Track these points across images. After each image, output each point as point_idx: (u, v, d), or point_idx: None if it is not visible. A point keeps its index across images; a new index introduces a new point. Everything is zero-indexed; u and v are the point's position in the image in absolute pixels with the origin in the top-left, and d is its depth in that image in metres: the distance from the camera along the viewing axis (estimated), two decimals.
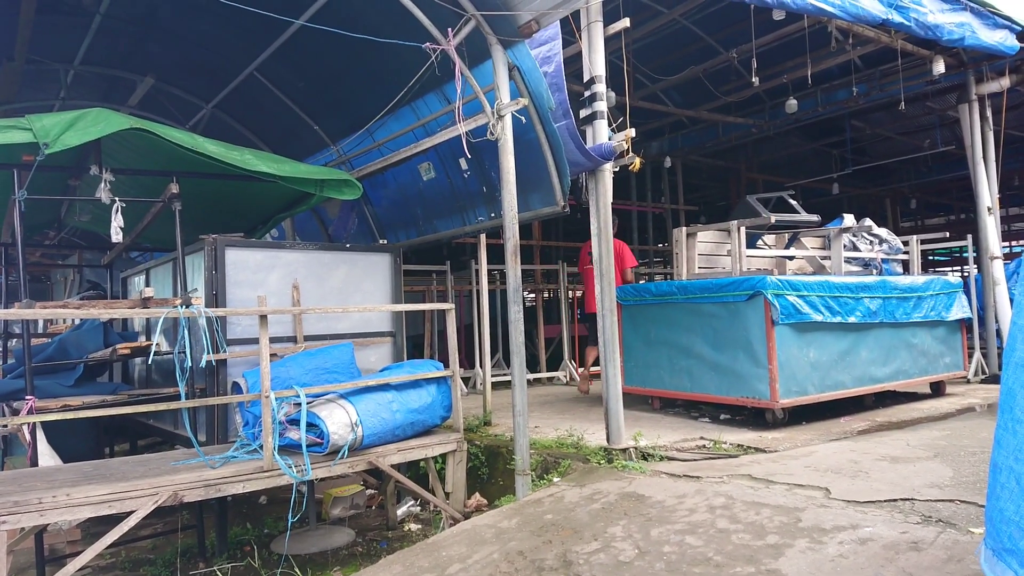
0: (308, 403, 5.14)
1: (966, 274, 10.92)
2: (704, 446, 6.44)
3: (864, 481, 4.75)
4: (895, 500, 4.27)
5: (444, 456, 5.75)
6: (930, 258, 24.03)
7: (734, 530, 3.99)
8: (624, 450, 5.84)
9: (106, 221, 5.64)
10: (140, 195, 6.19)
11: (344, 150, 8.46)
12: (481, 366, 8.98)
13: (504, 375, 11.81)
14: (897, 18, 8.06)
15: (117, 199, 5.42)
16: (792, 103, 10.93)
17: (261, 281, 6.25)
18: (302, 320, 6.42)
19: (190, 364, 4.87)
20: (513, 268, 5.81)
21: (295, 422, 5.15)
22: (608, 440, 6.00)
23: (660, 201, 16.42)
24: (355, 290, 6.82)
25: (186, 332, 4.96)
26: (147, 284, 7.50)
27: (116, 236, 5.40)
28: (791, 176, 17.79)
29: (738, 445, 6.28)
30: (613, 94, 8.84)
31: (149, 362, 7.15)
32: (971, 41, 9.00)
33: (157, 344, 6.65)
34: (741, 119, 12.72)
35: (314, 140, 8.62)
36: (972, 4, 8.84)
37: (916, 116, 13.83)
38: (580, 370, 11.44)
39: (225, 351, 5.89)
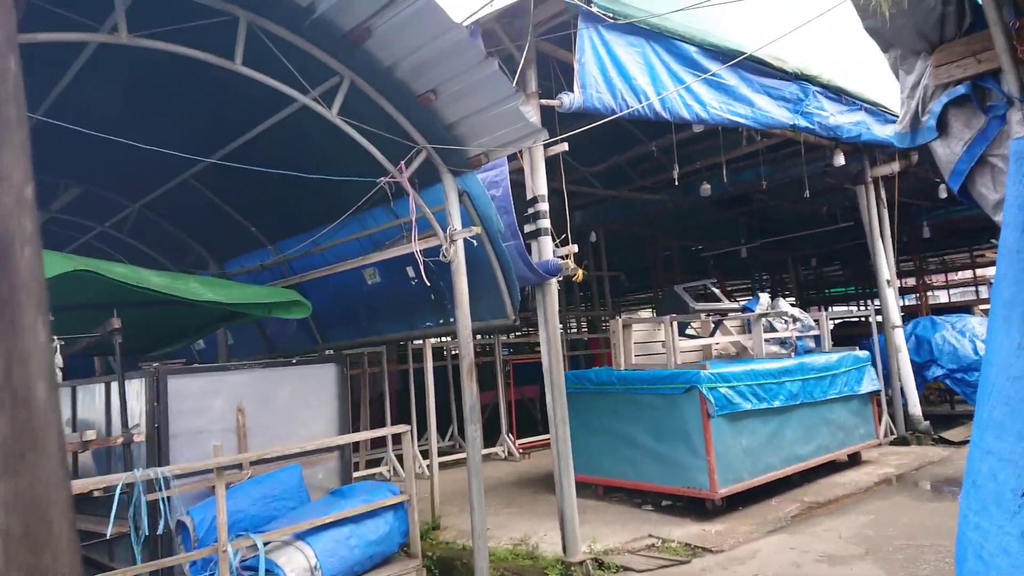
0: (264, 546, 5.01)
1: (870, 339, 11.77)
2: (654, 545, 6.67)
3: None
4: None
5: None
6: (825, 292, 25.73)
7: None
8: (581, 563, 5.95)
9: None
10: (78, 322, 5.93)
11: (281, 249, 8.37)
12: (428, 458, 8.87)
13: (443, 452, 11.75)
14: (803, 123, 8.83)
15: (56, 338, 5.18)
16: (706, 187, 11.67)
17: (205, 408, 6.06)
18: (248, 443, 6.25)
19: (145, 533, 4.67)
20: (469, 386, 5.91)
21: (251, 568, 4.99)
22: (564, 552, 6.11)
23: (585, 266, 16.94)
24: (302, 406, 6.70)
25: (143, 499, 4.76)
26: (73, 403, 7.10)
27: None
28: (704, 240, 18.81)
29: (685, 545, 6.53)
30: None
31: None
32: (867, 137, 9.96)
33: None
34: (658, 196, 13.43)
35: (250, 240, 8.49)
36: (867, 104, 9.80)
37: (816, 189, 14.94)
38: None
39: (172, 486, 5.64)
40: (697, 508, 7.58)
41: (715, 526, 7.04)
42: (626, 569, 5.99)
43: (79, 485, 4.59)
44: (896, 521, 6.75)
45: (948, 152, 3.39)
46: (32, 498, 0.66)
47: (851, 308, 24.63)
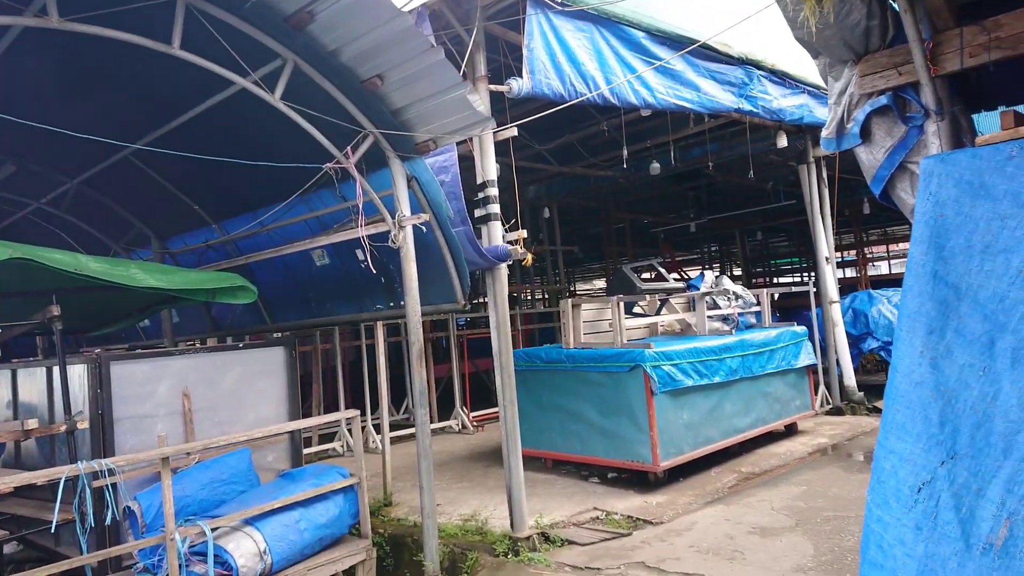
0: (213, 532, 5.05)
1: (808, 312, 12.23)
2: (598, 518, 6.93)
3: (741, 565, 5.37)
4: None
5: (353, 567, 5.82)
6: (771, 263, 26.54)
7: None
8: (527, 538, 6.16)
9: None
10: (14, 307, 5.78)
11: (227, 228, 8.23)
12: (379, 432, 8.93)
13: (397, 425, 11.85)
14: (747, 106, 9.02)
15: None
16: (656, 166, 11.85)
17: (150, 393, 6.00)
18: (194, 429, 6.23)
19: (91, 523, 4.65)
20: (419, 372, 5.99)
21: (200, 554, 5.04)
22: (512, 527, 6.31)
23: (539, 240, 17.07)
24: (249, 389, 6.69)
25: (88, 490, 4.73)
26: (14, 386, 6.93)
27: None
28: (654, 213, 19.08)
29: (628, 517, 6.81)
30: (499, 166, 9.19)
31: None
32: (809, 119, 10.22)
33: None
34: (609, 172, 13.57)
35: (194, 218, 8.32)
36: (810, 88, 10.03)
37: (762, 166, 15.29)
38: None
39: (117, 474, 5.62)
40: (641, 480, 7.87)
41: (657, 498, 7.35)
42: (570, 542, 6.23)
43: (22, 478, 4.55)
44: (826, 492, 7.14)
45: (871, 158, 3.57)
46: None
47: (796, 279, 25.46)
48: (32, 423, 5.41)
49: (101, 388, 5.71)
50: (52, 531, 5.73)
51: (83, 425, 5.53)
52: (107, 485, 5.10)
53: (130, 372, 5.92)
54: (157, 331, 10.19)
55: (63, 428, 5.38)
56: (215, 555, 4.98)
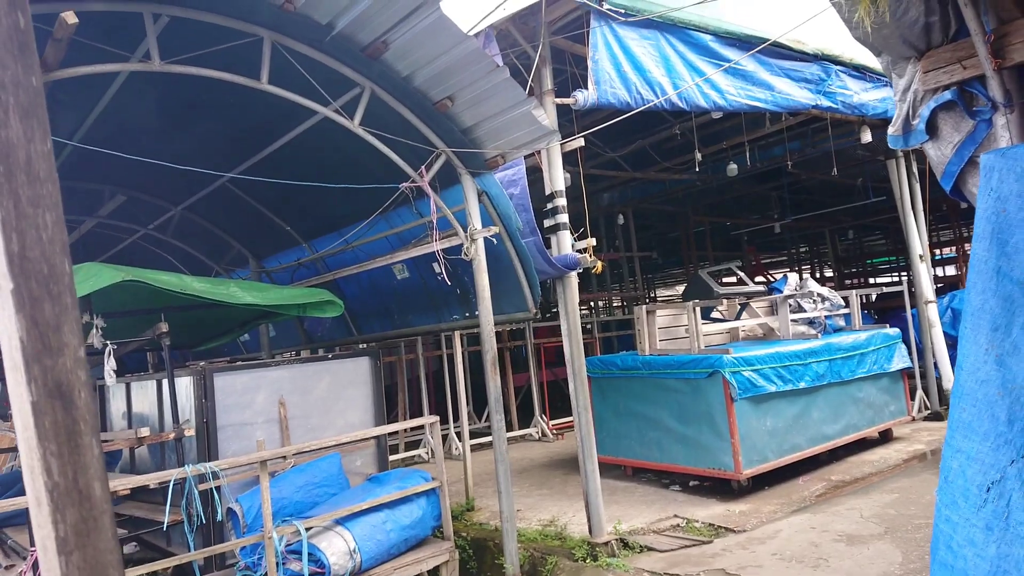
0: (307, 531, 5.39)
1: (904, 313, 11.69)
2: (678, 525, 6.90)
3: (824, 573, 5.25)
4: None
5: (437, 567, 6.05)
6: (869, 262, 25.35)
7: None
8: (606, 544, 6.22)
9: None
10: (127, 325, 6.37)
11: (316, 247, 8.73)
12: (460, 439, 9.20)
13: (479, 433, 12.12)
14: (825, 103, 8.78)
15: (109, 343, 5.62)
16: (732, 167, 11.64)
17: (248, 403, 6.48)
18: (289, 435, 6.66)
19: (199, 520, 5.08)
20: (493, 379, 6.19)
21: (295, 552, 5.39)
22: (590, 532, 6.38)
23: (615, 246, 17.04)
24: (338, 397, 7.09)
25: (195, 491, 5.18)
26: (128, 398, 7.61)
27: (110, 380, 5.59)
28: (735, 215, 18.66)
29: (709, 525, 6.75)
30: (569, 175, 9.33)
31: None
32: (894, 113, 9.79)
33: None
34: (685, 176, 13.43)
35: (286, 238, 8.88)
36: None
37: (848, 162, 14.73)
38: None
39: (221, 477, 6.09)
40: (723, 488, 7.77)
41: (740, 506, 7.24)
42: (649, 549, 6.24)
43: (137, 480, 5.03)
44: (919, 500, 6.84)
45: (939, 154, 3.49)
46: (96, 562, 0.94)
47: (894, 279, 24.22)
48: (144, 431, 5.94)
49: (206, 398, 6.20)
50: (163, 531, 6.27)
51: (190, 432, 6.03)
52: (212, 488, 5.55)
53: (231, 383, 6.40)
54: (255, 345, 10.88)
55: (172, 435, 5.88)
56: (309, 553, 5.32)
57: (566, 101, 6.42)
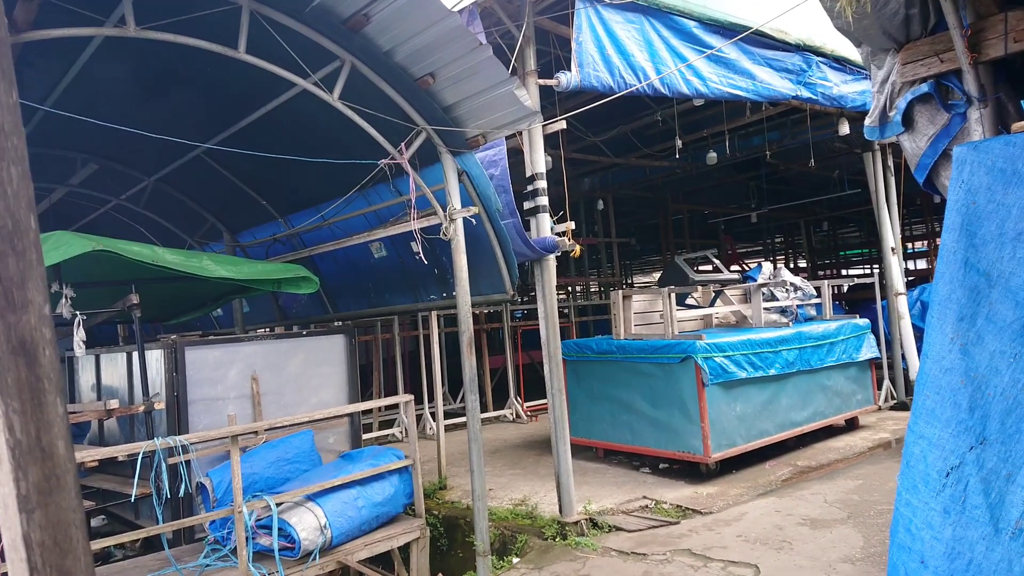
0: (277, 506, 5.38)
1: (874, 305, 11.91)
2: (647, 506, 7.00)
3: (788, 555, 5.37)
4: None
5: (408, 544, 6.08)
6: (842, 253, 25.76)
7: None
8: (576, 523, 6.30)
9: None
10: (97, 296, 6.26)
11: (292, 222, 8.63)
12: (434, 419, 9.21)
13: (454, 414, 12.15)
14: (805, 93, 8.85)
15: (78, 313, 5.52)
16: (712, 155, 11.71)
17: (220, 378, 6.42)
18: (262, 411, 6.62)
19: (167, 496, 5.05)
20: (469, 360, 6.20)
21: (265, 527, 5.39)
22: (561, 512, 6.46)
23: (594, 231, 17.08)
24: (312, 374, 7.05)
25: (164, 464, 5.14)
26: (97, 370, 7.50)
27: (79, 351, 5.50)
28: (713, 203, 18.80)
29: (677, 506, 6.86)
30: (550, 158, 9.31)
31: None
32: (872, 104, 9.91)
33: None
34: (666, 163, 13.48)
35: (262, 213, 8.76)
36: None
37: (825, 154, 14.88)
38: None
39: (191, 451, 6.04)
40: (692, 472, 7.89)
41: (707, 489, 7.36)
42: (618, 529, 6.33)
43: (105, 452, 4.97)
44: (883, 486, 7.01)
45: (914, 146, 3.54)
46: (58, 521, 0.93)
47: (866, 270, 24.62)
48: (113, 403, 5.87)
49: (176, 372, 6.13)
50: (132, 503, 6.22)
51: (160, 406, 5.97)
52: (181, 462, 5.50)
53: (203, 357, 6.34)
54: (229, 320, 10.76)
55: (141, 408, 5.82)
56: (279, 528, 5.31)
57: (549, 82, 6.39)
